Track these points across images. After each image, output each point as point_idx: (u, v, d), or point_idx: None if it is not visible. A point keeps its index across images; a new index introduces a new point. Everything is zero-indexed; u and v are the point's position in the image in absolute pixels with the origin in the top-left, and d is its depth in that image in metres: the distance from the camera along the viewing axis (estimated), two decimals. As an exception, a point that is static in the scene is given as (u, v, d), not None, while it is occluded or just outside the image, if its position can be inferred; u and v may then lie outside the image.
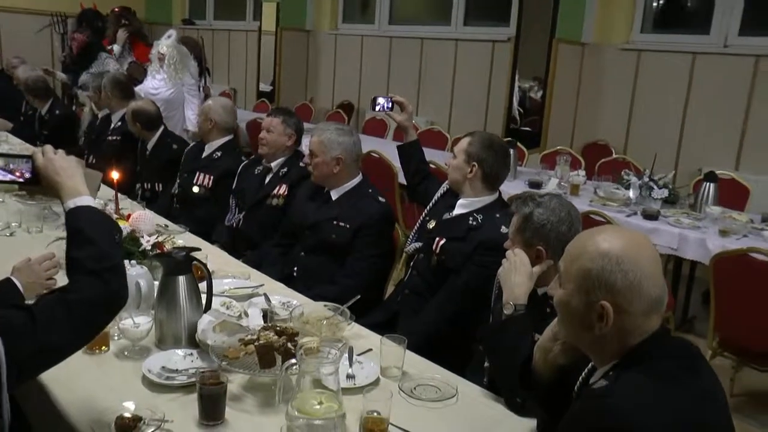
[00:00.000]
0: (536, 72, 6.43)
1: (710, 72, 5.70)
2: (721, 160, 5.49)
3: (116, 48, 6.88)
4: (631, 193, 4.37)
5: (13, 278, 2.20)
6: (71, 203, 1.53)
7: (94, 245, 1.46)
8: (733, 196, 4.64)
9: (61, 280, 2.40)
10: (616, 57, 6.26)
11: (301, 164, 3.38)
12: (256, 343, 1.72)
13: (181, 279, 2.01)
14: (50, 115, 5.55)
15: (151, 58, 5.77)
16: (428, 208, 2.86)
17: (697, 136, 5.80)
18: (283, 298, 2.42)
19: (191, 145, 4.14)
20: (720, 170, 4.65)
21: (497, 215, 2.61)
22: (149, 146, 4.25)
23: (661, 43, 6.04)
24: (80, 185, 1.56)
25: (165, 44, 5.68)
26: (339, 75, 8.61)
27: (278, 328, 1.80)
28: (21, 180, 1.64)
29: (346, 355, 1.95)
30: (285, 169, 3.42)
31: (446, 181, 2.87)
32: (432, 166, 4.46)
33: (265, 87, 8.94)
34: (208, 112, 3.83)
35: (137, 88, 5.35)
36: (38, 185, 1.61)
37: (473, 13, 7.33)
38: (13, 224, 3.13)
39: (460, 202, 2.68)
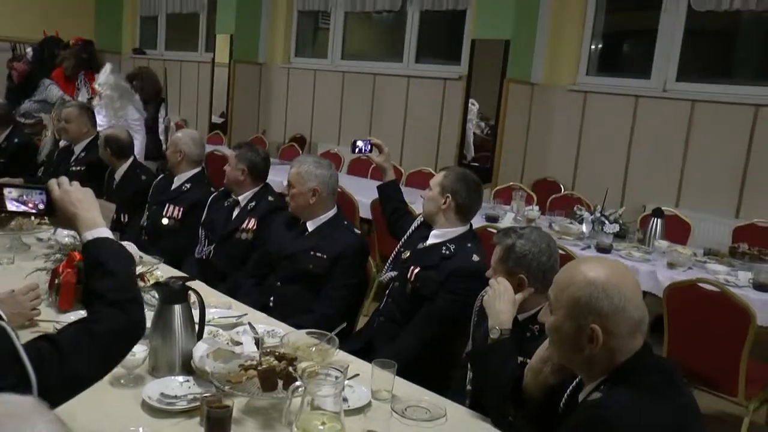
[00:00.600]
0: (486, 110, 6.68)
1: (651, 114, 6.04)
2: (663, 197, 5.80)
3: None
4: (584, 228, 4.58)
5: None
6: (89, 235, 1.55)
7: (114, 277, 1.49)
8: (676, 231, 4.90)
9: (44, 310, 2.43)
10: (564, 97, 6.55)
11: (269, 198, 3.45)
12: (259, 368, 1.78)
13: (177, 308, 2.05)
14: (8, 143, 5.44)
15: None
16: (403, 239, 2.98)
17: (640, 174, 6.11)
18: (267, 326, 2.48)
19: (160, 177, 4.15)
20: (663, 207, 4.93)
21: (468, 245, 2.75)
22: (117, 176, 4.21)
23: (605, 85, 6.36)
24: (97, 217, 1.58)
25: (100, 81, 5.59)
26: (291, 108, 8.72)
27: (277, 354, 1.87)
28: (34, 211, 1.64)
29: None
30: (253, 203, 3.47)
31: (420, 214, 2.99)
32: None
33: (216, 119, 8.96)
34: (177, 143, 3.85)
35: None
36: (52, 216, 1.63)
37: (425, 51, 7.57)
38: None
39: (433, 232, 2.81)
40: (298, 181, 2.98)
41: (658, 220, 4.53)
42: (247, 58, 8.64)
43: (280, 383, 1.81)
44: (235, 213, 3.50)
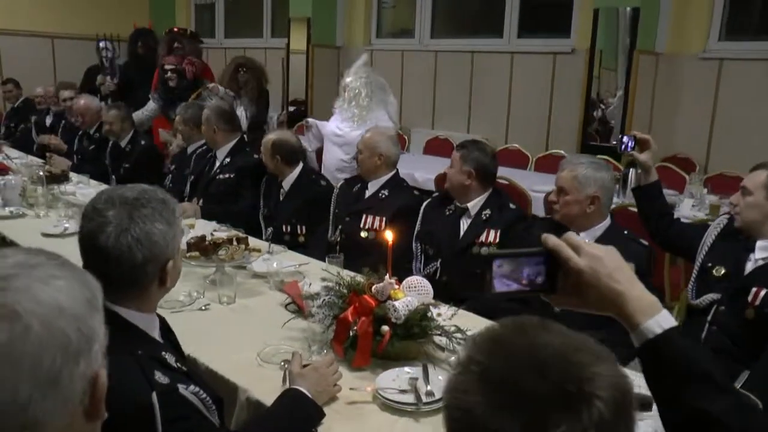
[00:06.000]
0: (601, 84, 6.22)
1: (801, 80, 5.55)
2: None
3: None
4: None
5: (300, 388, 1.77)
6: (655, 325, 1.03)
7: (727, 392, 1.05)
8: None
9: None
10: (693, 66, 6.05)
11: (511, 206, 3.00)
12: None
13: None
14: (132, 146, 5.00)
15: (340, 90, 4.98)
16: (705, 252, 2.51)
17: (789, 147, 5.62)
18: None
19: (341, 183, 3.69)
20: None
21: (807, 261, 2.31)
22: (286, 184, 3.74)
23: (742, 50, 5.85)
24: (650, 294, 1.07)
25: (350, 72, 4.90)
26: (376, 93, 8.22)
27: None
28: (527, 289, 1.08)
29: None
30: (488, 212, 3.01)
31: (717, 221, 2.55)
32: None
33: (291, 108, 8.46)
34: (375, 146, 3.39)
35: (326, 131, 4.74)
36: (553, 293, 1.09)
37: (526, 24, 7.04)
38: (194, 294, 2.60)
39: (761, 244, 2.35)
40: (574, 186, 2.53)
41: None
42: (325, 42, 8.14)
43: None
44: (465, 224, 3.04)
